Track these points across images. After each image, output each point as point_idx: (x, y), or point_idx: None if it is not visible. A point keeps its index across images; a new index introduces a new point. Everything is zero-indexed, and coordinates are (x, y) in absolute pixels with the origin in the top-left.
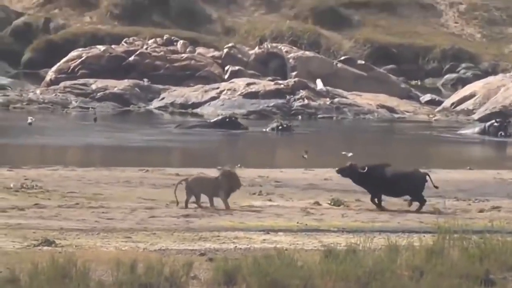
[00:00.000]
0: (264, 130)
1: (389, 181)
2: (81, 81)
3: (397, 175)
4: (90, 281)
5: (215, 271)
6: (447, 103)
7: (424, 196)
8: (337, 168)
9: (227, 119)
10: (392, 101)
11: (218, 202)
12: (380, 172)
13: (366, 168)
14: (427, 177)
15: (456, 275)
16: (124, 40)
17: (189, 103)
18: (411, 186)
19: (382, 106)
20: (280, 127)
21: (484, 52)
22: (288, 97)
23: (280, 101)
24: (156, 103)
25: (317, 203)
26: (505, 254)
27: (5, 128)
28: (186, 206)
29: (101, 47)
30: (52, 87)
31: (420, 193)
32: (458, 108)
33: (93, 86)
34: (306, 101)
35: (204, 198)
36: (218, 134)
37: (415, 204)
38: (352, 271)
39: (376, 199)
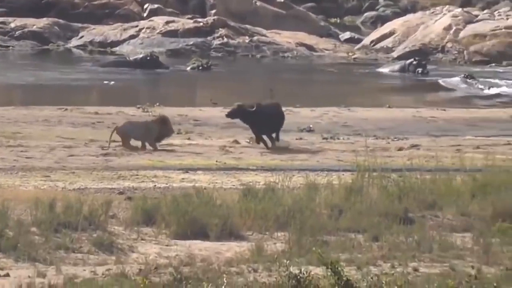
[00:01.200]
0: (184, 69)
1: (275, 117)
2: (0, 19)
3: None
4: (9, 220)
5: (134, 210)
6: (366, 41)
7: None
8: (226, 113)
9: (148, 58)
10: (311, 39)
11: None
12: (268, 110)
13: (255, 107)
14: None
15: (375, 214)
16: None
17: (108, 41)
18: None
19: (301, 44)
20: (200, 67)
21: None
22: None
23: (199, 39)
24: (75, 42)
25: (236, 142)
26: (423, 192)
27: None
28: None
29: None
30: None
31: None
32: (378, 46)
33: (12, 25)
34: (225, 39)
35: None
36: (138, 72)
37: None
38: (271, 209)
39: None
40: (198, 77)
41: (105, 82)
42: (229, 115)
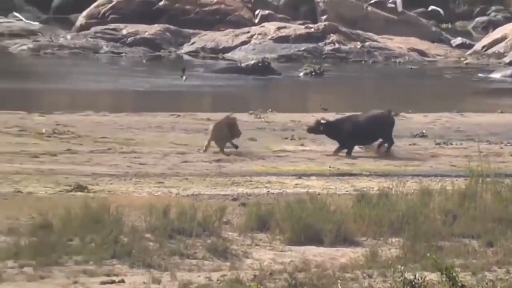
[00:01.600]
0: (297, 75)
1: (362, 128)
2: (112, 26)
3: (371, 120)
4: (123, 226)
5: (248, 216)
6: (478, 46)
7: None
8: (307, 128)
9: (260, 64)
10: (423, 45)
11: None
12: (351, 121)
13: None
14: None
15: (490, 219)
16: None
17: (220, 47)
18: (384, 129)
19: (413, 50)
20: (313, 72)
21: None
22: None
23: (310, 45)
24: (186, 48)
25: None
26: None
27: (37, 73)
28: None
29: None
30: (83, 32)
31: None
32: (489, 51)
33: (124, 31)
34: (336, 45)
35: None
36: (250, 78)
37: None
38: (385, 215)
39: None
40: (310, 83)
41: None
42: (310, 131)
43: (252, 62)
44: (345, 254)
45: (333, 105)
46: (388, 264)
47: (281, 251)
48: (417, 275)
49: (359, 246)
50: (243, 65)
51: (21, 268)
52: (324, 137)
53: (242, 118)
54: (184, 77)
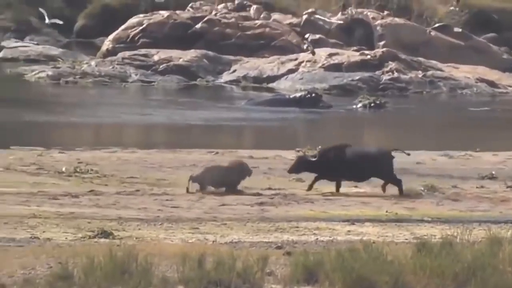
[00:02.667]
0: (353, 106)
1: (350, 163)
2: (142, 51)
3: (358, 155)
4: (153, 277)
5: (294, 266)
6: None
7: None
8: (287, 169)
9: (308, 95)
10: (493, 74)
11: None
12: (337, 155)
13: (317, 155)
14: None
15: None
16: (190, 4)
17: (264, 76)
18: (377, 167)
19: (482, 80)
20: (372, 104)
21: None
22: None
23: (366, 74)
24: (226, 77)
25: (409, 190)
26: None
27: (56, 105)
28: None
29: (164, 13)
30: (109, 58)
31: (390, 173)
32: None
33: (155, 57)
34: (395, 74)
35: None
36: (297, 111)
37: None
38: (449, 266)
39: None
40: (366, 117)
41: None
42: (290, 171)
43: (300, 93)
44: None
45: (394, 141)
46: None
47: None
48: None
49: None
50: (290, 97)
51: None
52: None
53: (287, 156)
54: None
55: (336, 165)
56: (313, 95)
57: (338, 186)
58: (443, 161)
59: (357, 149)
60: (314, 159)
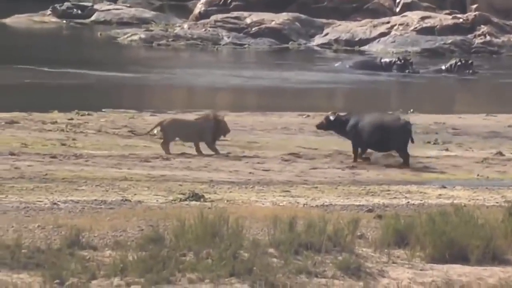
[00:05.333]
0: (441, 68)
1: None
2: (234, 14)
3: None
4: (244, 240)
5: (385, 229)
6: None
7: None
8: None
9: (398, 61)
10: None
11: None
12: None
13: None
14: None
15: None
16: None
17: (356, 39)
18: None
19: None
20: (458, 63)
21: None
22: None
23: (458, 37)
24: (318, 40)
25: (500, 153)
26: None
27: (148, 67)
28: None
29: None
30: (202, 21)
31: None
32: None
33: (248, 20)
34: (488, 38)
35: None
36: (387, 74)
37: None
38: None
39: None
40: (458, 81)
41: None
42: (317, 126)
43: (390, 59)
44: (494, 274)
45: (482, 106)
46: None
47: (421, 269)
48: None
49: (510, 265)
50: (381, 61)
51: (128, 286)
52: (472, 141)
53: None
54: None
55: (350, 129)
56: (403, 60)
57: (355, 154)
58: None
59: (377, 117)
60: (332, 118)
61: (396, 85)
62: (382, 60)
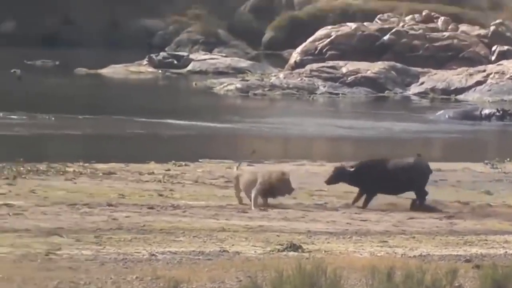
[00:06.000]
0: None
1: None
2: (330, 63)
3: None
4: None
5: (483, 279)
6: None
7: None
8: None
9: (497, 112)
10: None
11: None
12: (375, 168)
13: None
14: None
15: None
16: (378, 16)
17: (452, 88)
18: (413, 180)
19: None
20: None
21: None
22: None
23: None
24: (414, 89)
25: None
26: None
27: (245, 116)
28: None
29: (352, 25)
30: (297, 70)
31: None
32: None
33: (343, 69)
34: None
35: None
36: (487, 124)
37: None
38: None
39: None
40: None
41: None
42: (328, 182)
43: (490, 110)
44: None
45: None
46: None
47: None
48: None
49: None
50: (481, 112)
51: None
52: None
53: (476, 168)
54: None
55: (370, 178)
56: (501, 111)
57: (366, 200)
58: None
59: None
60: (351, 170)
61: (496, 133)
62: (483, 112)
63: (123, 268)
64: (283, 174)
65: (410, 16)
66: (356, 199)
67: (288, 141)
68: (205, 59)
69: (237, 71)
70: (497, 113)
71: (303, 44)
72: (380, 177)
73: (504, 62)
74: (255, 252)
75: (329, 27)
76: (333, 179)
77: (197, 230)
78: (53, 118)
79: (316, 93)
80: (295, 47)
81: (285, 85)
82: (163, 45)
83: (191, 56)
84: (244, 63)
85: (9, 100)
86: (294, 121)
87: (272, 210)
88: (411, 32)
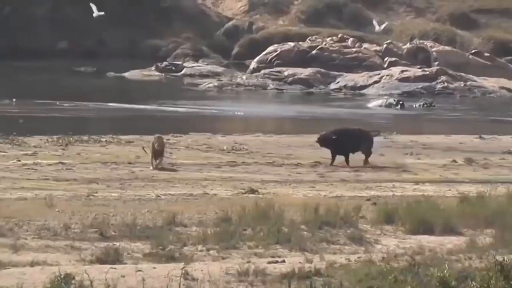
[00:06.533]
0: (414, 106)
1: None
2: (277, 69)
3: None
4: (284, 219)
5: (378, 212)
6: None
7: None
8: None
9: (394, 101)
10: (511, 84)
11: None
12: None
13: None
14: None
15: None
16: (308, 38)
17: (358, 85)
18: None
19: (503, 88)
20: (425, 104)
21: None
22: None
23: (426, 84)
24: (332, 86)
25: (454, 161)
26: None
27: (219, 104)
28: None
29: (291, 44)
30: (255, 74)
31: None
32: None
33: (285, 73)
34: (445, 84)
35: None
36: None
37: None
38: (481, 212)
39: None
40: (424, 113)
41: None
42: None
43: (388, 102)
44: (451, 242)
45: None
46: (483, 250)
47: (403, 239)
48: (505, 258)
49: (462, 236)
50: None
51: (208, 251)
52: (436, 153)
53: (376, 139)
54: None
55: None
56: (396, 100)
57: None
58: (477, 141)
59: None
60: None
61: (394, 116)
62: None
63: (139, 205)
64: (158, 137)
65: (329, 38)
66: (333, 160)
67: (247, 120)
68: (193, 66)
69: (215, 74)
70: (394, 101)
71: (259, 56)
72: (349, 141)
73: (393, 68)
74: (226, 194)
75: (276, 45)
76: (320, 141)
77: (188, 179)
78: (90, 105)
79: (267, 89)
80: (253, 58)
81: (247, 83)
82: (165, 57)
83: (184, 64)
84: (219, 69)
85: (61, 92)
86: (252, 106)
87: (238, 166)
88: (331, 48)
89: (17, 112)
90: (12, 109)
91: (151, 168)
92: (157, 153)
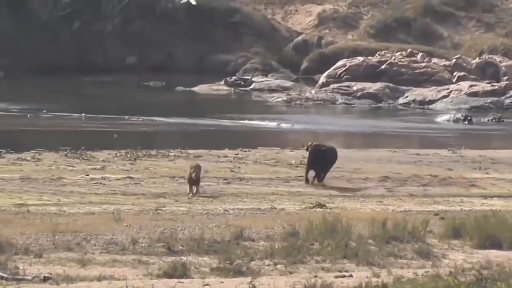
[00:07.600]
0: (482, 120)
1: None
2: (345, 83)
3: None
4: (352, 234)
5: (446, 227)
6: None
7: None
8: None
9: (461, 116)
10: None
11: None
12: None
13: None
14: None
15: None
16: (378, 53)
17: (426, 100)
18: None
19: None
20: (494, 119)
21: None
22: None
23: (494, 98)
24: (401, 100)
25: None
26: None
27: (289, 119)
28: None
29: (360, 58)
30: (324, 88)
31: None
32: None
33: (354, 88)
34: None
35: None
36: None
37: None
38: None
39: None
40: (494, 127)
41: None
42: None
43: (455, 116)
44: None
45: (502, 143)
46: None
47: (470, 253)
48: None
49: None
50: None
51: (275, 265)
52: (504, 167)
53: (442, 153)
54: None
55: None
56: (463, 116)
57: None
58: None
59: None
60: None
61: (458, 131)
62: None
63: (206, 219)
64: (196, 166)
65: (398, 53)
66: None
67: (315, 135)
68: (262, 81)
69: (283, 89)
70: (461, 117)
71: (328, 71)
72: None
73: (461, 83)
74: (294, 208)
75: (345, 59)
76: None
77: (255, 194)
78: (158, 120)
79: (336, 103)
80: (322, 72)
81: (316, 98)
82: (234, 71)
83: (253, 79)
84: (288, 84)
85: (130, 107)
86: (320, 121)
87: (303, 181)
88: (400, 63)
89: (87, 127)
90: (81, 123)
91: (189, 194)
92: (194, 182)
